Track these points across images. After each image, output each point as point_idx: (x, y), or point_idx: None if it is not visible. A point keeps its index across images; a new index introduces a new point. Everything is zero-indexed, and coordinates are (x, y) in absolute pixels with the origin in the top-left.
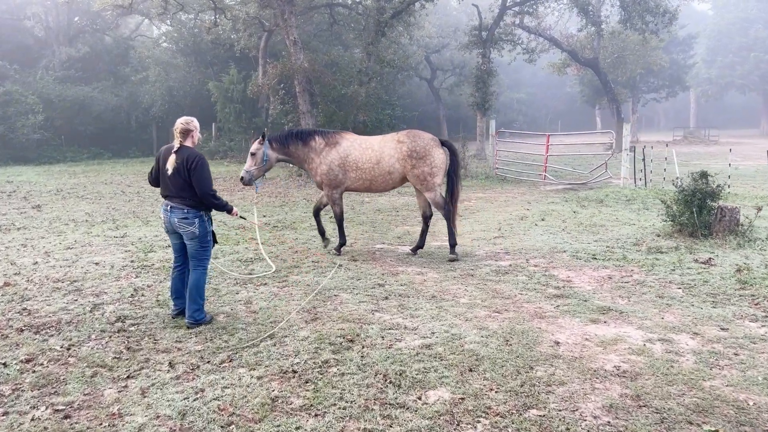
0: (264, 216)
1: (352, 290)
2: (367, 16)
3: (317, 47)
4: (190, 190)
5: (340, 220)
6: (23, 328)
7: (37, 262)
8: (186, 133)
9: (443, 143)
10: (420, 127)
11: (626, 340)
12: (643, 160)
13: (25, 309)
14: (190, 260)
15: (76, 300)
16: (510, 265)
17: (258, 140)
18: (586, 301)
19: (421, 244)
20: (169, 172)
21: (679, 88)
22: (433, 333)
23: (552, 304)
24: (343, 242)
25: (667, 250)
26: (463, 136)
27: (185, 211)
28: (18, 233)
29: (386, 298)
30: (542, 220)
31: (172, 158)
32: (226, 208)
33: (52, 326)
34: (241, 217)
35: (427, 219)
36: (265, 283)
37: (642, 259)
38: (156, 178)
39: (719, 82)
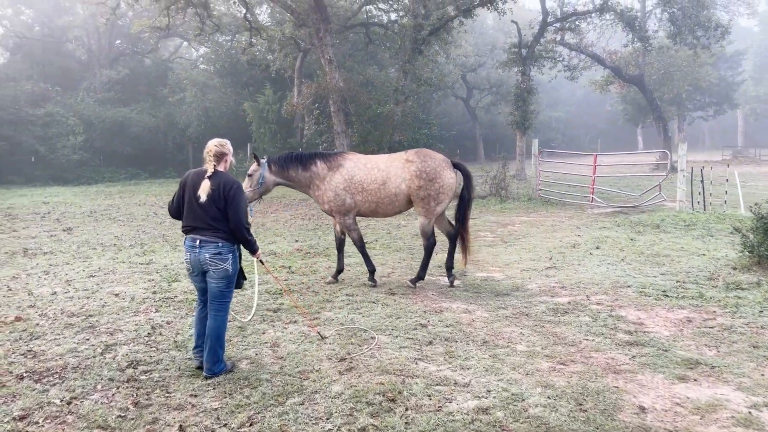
0: (296, 240)
1: (391, 331)
2: (403, 35)
3: (352, 67)
4: (225, 222)
5: (361, 247)
6: (24, 374)
7: (55, 293)
8: (220, 156)
9: (455, 165)
10: (456, 147)
11: (726, 405)
12: (702, 181)
13: (30, 350)
14: (211, 302)
15: (88, 339)
16: (569, 302)
17: (257, 161)
18: (666, 350)
19: (450, 264)
20: (202, 199)
21: (728, 106)
22: (489, 391)
23: (626, 353)
24: (372, 269)
25: (749, 286)
26: (503, 155)
27: (219, 245)
28: (43, 258)
29: (431, 342)
30: (597, 248)
31: (205, 184)
32: (254, 246)
33: (57, 373)
34: (260, 261)
35: (453, 238)
36: (295, 321)
37: (722, 297)
38: (179, 208)
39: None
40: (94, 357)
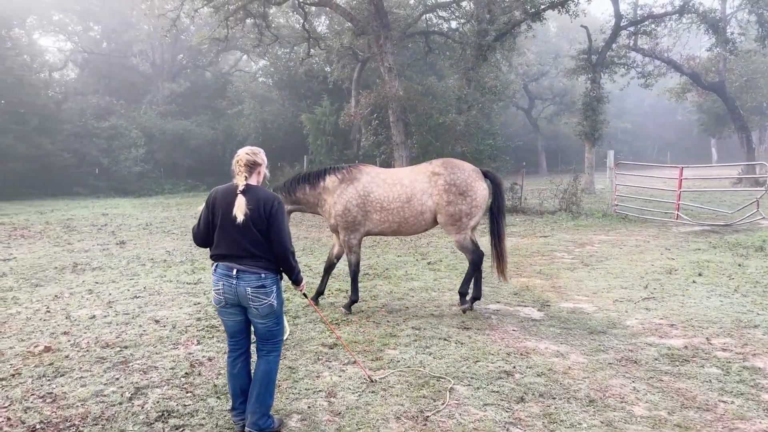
0: None
1: (470, 380)
2: (464, 42)
3: (411, 76)
4: (267, 246)
5: (355, 272)
6: (38, 426)
7: (94, 316)
8: (252, 167)
9: (486, 175)
10: (520, 160)
11: None
12: None
13: (51, 393)
14: (260, 344)
15: (118, 379)
16: (685, 346)
17: None
18: None
19: (477, 295)
20: (239, 220)
21: None
22: None
23: None
24: (355, 299)
25: None
26: (575, 168)
27: (261, 276)
28: (91, 275)
29: (522, 399)
30: (699, 275)
31: (240, 202)
32: (298, 276)
33: (74, 425)
34: (303, 294)
35: (476, 263)
36: (355, 362)
37: None
38: (207, 233)
39: None
40: (120, 404)
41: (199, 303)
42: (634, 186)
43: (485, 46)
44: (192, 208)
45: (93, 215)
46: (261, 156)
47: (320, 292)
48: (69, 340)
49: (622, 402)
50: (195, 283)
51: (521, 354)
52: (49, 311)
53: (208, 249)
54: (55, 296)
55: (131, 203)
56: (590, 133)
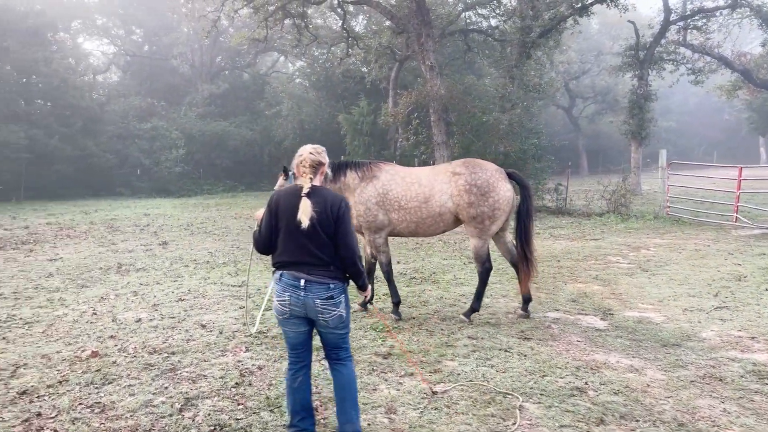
0: (398, 262)
1: (539, 397)
2: (504, 40)
3: (449, 76)
4: (333, 251)
5: (388, 273)
6: None
7: (140, 319)
8: (317, 167)
9: (511, 176)
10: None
11: None
12: None
13: (99, 403)
14: (332, 352)
15: (167, 388)
16: None
17: (281, 176)
18: None
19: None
20: (305, 224)
21: None
22: None
23: None
24: (397, 301)
25: None
26: (623, 168)
27: (330, 286)
28: (135, 276)
29: (601, 420)
30: None
31: (305, 205)
32: (365, 281)
33: None
34: (368, 302)
35: (517, 266)
36: (412, 373)
37: None
38: (270, 239)
39: None
40: (170, 416)
41: (243, 307)
42: (686, 187)
43: (529, 43)
44: (231, 209)
45: (135, 215)
46: (324, 155)
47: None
48: (116, 345)
49: (714, 426)
50: (239, 286)
51: (591, 368)
52: (95, 313)
53: (260, 254)
54: (101, 298)
55: (172, 204)
56: (637, 132)
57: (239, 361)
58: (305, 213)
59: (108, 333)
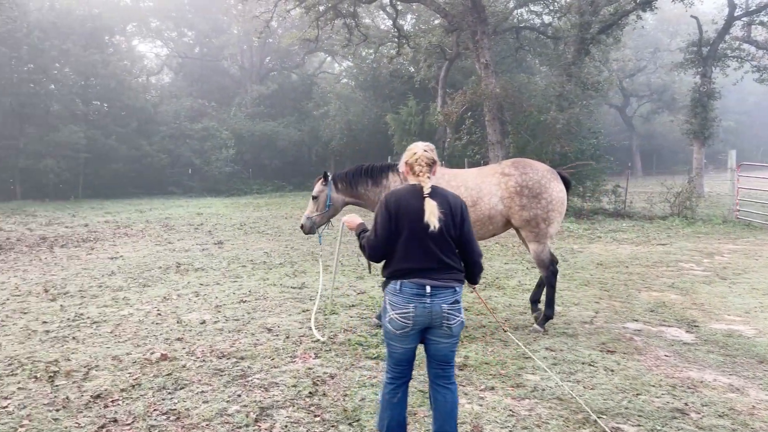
0: None
1: (637, 419)
2: (557, 38)
3: (499, 74)
4: (456, 255)
5: None
6: None
7: (204, 321)
8: (433, 165)
9: (562, 178)
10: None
11: None
12: None
13: (173, 410)
14: (442, 370)
15: (240, 396)
16: None
17: (320, 180)
18: None
19: (549, 314)
20: (434, 227)
21: None
22: None
23: None
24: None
25: None
26: (686, 168)
27: (456, 290)
28: (194, 276)
29: None
30: None
31: (432, 206)
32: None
33: None
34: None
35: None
36: (492, 387)
37: None
38: (388, 244)
39: None
40: (246, 426)
41: (308, 310)
42: (756, 189)
43: (588, 39)
44: (281, 209)
45: (188, 214)
46: (435, 153)
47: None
48: (184, 348)
49: None
50: (299, 288)
51: (687, 386)
52: (159, 314)
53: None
54: (164, 298)
55: (222, 203)
56: (700, 132)
57: (310, 369)
58: (433, 215)
59: (174, 335)
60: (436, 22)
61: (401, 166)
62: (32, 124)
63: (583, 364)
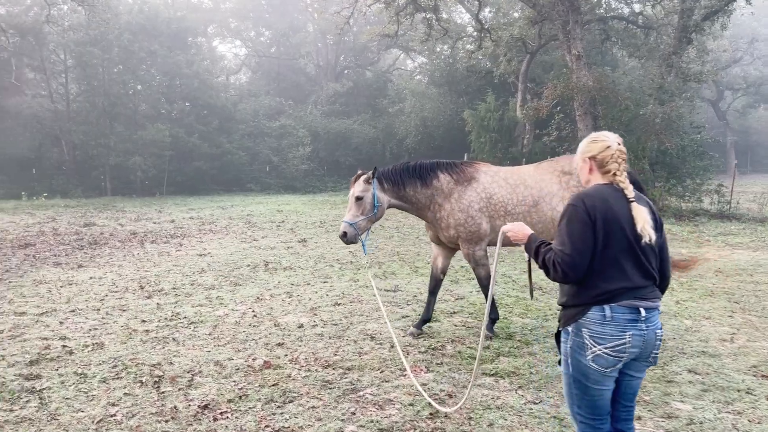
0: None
1: None
2: (648, 28)
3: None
4: (656, 270)
5: (488, 287)
6: None
7: (302, 325)
8: (623, 162)
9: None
10: (717, 157)
11: None
12: None
13: (286, 428)
14: (631, 406)
15: (354, 413)
16: None
17: (365, 177)
18: None
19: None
20: (648, 239)
21: None
22: None
23: None
24: (495, 317)
25: None
26: None
27: (659, 311)
28: (283, 275)
29: None
30: None
31: (642, 214)
32: None
33: None
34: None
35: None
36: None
37: None
38: (589, 260)
39: None
40: None
41: (407, 316)
42: None
43: (691, 27)
44: None
45: (269, 211)
46: None
47: (427, 320)
48: (286, 354)
49: None
50: (393, 291)
51: None
52: (255, 315)
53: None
54: (257, 298)
55: (300, 200)
56: None
57: (424, 385)
58: (648, 223)
59: (274, 339)
60: (516, 15)
61: (578, 161)
62: (121, 123)
63: (738, 391)
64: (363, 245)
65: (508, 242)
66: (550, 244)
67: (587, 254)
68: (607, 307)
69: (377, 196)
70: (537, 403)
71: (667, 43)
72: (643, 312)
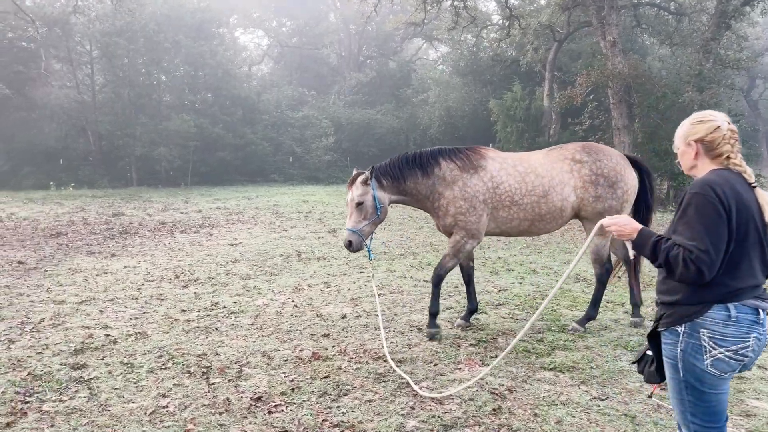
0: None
1: None
2: (680, 14)
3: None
4: None
5: (440, 279)
6: None
7: (344, 316)
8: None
9: (632, 162)
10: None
11: None
12: None
13: (345, 422)
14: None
15: (413, 408)
16: None
17: (362, 179)
18: None
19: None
20: None
21: None
22: None
23: None
24: (436, 311)
25: None
26: None
27: None
28: (318, 265)
29: None
30: None
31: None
32: None
33: None
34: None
35: (630, 263)
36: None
37: None
38: (721, 251)
39: None
40: None
41: (451, 307)
42: None
43: (730, 11)
44: None
45: (295, 202)
46: None
47: (473, 310)
48: (333, 346)
49: None
50: (426, 281)
51: None
52: (296, 305)
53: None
54: (295, 288)
55: (324, 191)
56: None
57: (481, 379)
58: None
59: (319, 330)
60: (543, 2)
61: (679, 146)
62: (146, 113)
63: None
64: (368, 251)
65: (496, 232)
66: (668, 239)
67: (722, 249)
68: (732, 307)
69: (378, 197)
70: (603, 400)
71: (702, 29)
72: (761, 314)
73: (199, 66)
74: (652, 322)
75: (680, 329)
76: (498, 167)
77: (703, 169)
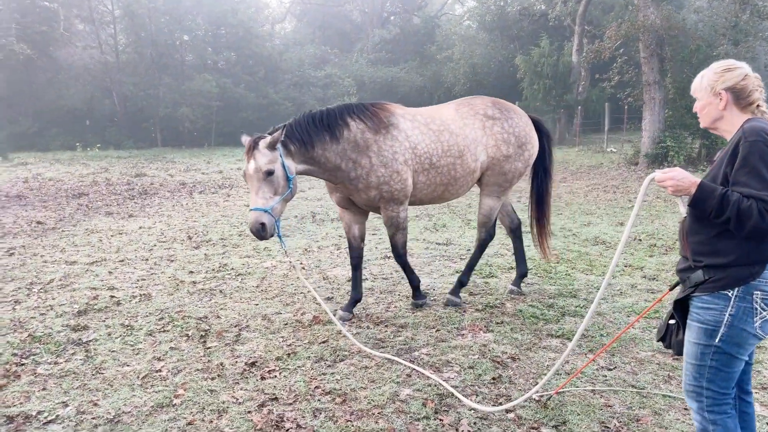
0: (620, 223)
1: None
2: None
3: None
4: None
5: (403, 255)
6: None
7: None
8: None
9: (534, 123)
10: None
11: None
12: None
13: (337, 389)
14: (748, 380)
15: (409, 376)
16: None
17: (267, 142)
18: None
19: (524, 271)
20: None
21: None
22: None
23: None
24: (417, 283)
25: None
26: None
27: None
28: (332, 227)
29: None
30: None
31: None
32: None
33: None
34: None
35: (517, 231)
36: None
37: None
38: None
39: None
40: (426, 419)
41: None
42: None
43: None
44: None
45: None
46: None
47: (357, 300)
48: (334, 309)
49: None
50: (445, 245)
51: None
52: (304, 267)
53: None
54: (305, 249)
55: None
56: None
57: (484, 346)
58: None
59: (323, 293)
60: None
61: (704, 95)
62: (169, 74)
63: None
64: (279, 237)
65: (433, 200)
66: (731, 191)
67: None
68: None
69: (287, 165)
70: (611, 370)
71: None
72: None
73: (221, 25)
74: (667, 288)
75: (731, 293)
76: (410, 125)
77: (731, 120)
